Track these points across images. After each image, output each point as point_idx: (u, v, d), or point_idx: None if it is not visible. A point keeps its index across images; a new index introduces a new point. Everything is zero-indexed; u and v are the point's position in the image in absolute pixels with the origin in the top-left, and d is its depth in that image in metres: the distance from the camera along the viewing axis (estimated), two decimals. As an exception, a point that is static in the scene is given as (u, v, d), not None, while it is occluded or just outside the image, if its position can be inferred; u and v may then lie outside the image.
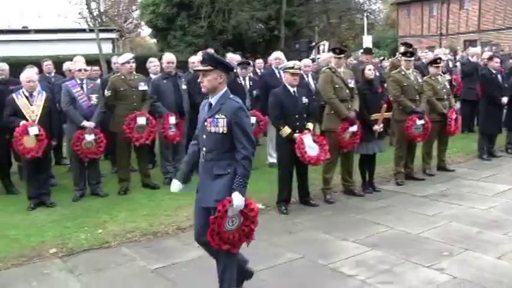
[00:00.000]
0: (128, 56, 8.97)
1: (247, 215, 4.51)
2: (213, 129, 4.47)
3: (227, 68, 4.58)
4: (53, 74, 10.79)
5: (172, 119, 8.81)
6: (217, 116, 4.44)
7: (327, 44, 27.14)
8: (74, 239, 6.59)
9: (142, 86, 8.69)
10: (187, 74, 10.07)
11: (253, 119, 9.48)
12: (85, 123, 8.12)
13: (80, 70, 8.38)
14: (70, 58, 10.87)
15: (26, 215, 7.68)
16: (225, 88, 4.54)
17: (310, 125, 7.54)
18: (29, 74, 8.08)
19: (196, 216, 4.79)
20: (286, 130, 7.33)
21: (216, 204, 4.39)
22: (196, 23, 27.07)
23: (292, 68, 7.41)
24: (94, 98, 8.33)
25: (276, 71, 9.96)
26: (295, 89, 7.44)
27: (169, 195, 8.19)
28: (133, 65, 8.75)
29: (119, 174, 8.86)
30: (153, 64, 10.30)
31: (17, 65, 11.02)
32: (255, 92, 9.76)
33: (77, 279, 5.52)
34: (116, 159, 9.46)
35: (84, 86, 8.32)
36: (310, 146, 7.35)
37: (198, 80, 4.59)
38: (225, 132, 4.42)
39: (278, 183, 7.66)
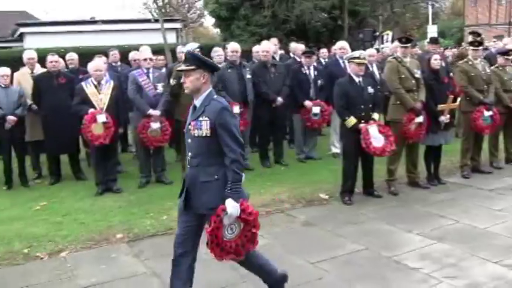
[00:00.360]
0: (193, 45, 9.04)
1: (246, 220, 4.22)
2: (196, 133, 4.21)
3: (211, 68, 4.31)
4: (119, 64, 10.99)
5: (236, 109, 8.85)
6: (200, 119, 4.18)
7: (390, 33, 26.65)
8: (139, 224, 6.73)
9: (207, 75, 8.73)
10: (251, 63, 10.10)
11: (317, 109, 9.45)
12: (151, 111, 8.27)
13: (145, 59, 8.53)
14: (135, 48, 11.05)
15: (94, 201, 7.92)
16: (210, 89, 4.29)
17: (375, 116, 7.45)
18: (97, 64, 8.30)
19: (179, 224, 4.51)
20: (351, 120, 7.26)
21: (210, 212, 4.15)
22: (260, 13, 27.04)
23: (358, 57, 7.33)
24: (160, 87, 8.46)
25: (341, 61, 9.88)
26: (360, 79, 7.35)
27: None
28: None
29: (183, 162, 8.94)
30: (217, 54, 10.33)
31: (86, 55, 11.32)
32: (319, 82, 9.70)
33: (142, 264, 5.64)
34: (180, 148, 9.58)
35: (150, 74, 8.46)
36: (375, 137, 7.26)
37: (181, 81, 4.38)
38: (208, 135, 4.15)
39: (342, 174, 7.59)
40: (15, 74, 9.49)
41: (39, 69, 9.58)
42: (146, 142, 8.35)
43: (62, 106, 8.59)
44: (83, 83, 8.14)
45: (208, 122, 4.14)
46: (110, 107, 8.02)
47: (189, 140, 4.31)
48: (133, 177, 8.97)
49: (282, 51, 12.63)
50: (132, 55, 10.72)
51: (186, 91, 4.30)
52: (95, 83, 8.04)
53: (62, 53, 9.54)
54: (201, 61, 4.23)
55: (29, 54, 9.75)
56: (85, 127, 7.86)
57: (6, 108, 8.62)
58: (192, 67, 4.20)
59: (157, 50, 12.99)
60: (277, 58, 11.09)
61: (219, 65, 9.64)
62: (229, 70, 9.11)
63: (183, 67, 4.28)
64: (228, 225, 4.15)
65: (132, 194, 8.15)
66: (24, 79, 9.41)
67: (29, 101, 9.07)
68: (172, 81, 8.66)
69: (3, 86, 8.74)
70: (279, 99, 9.28)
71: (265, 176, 8.77)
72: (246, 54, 11.44)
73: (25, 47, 21.95)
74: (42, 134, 9.02)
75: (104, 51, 10.99)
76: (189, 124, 4.28)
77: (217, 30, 36.54)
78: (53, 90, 8.83)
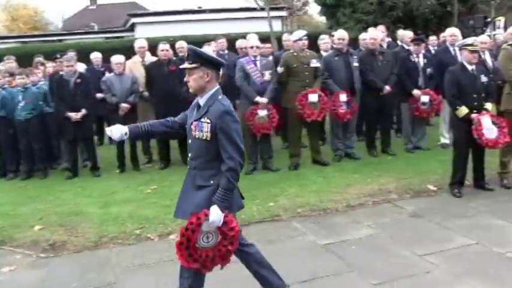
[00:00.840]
0: (301, 33, 9.03)
1: (225, 233, 3.93)
2: (197, 135, 3.96)
3: (215, 64, 4.00)
4: (226, 52, 11.16)
5: (343, 97, 8.80)
6: (202, 120, 3.91)
7: (503, 19, 25.51)
8: (246, 210, 6.74)
9: (315, 63, 8.72)
10: (358, 51, 9.98)
11: (426, 98, 9.22)
12: (258, 98, 8.37)
13: (252, 47, 8.63)
14: (242, 36, 11.18)
15: (202, 185, 8.09)
16: (215, 87, 3.98)
17: (488, 106, 7.16)
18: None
19: None
20: (463, 110, 7.02)
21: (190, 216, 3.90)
22: (366, 0, 26.63)
23: (471, 45, 7.06)
24: (267, 74, 8.53)
25: (451, 48, 9.55)
26: (473, 67, 7.09)
27: (339, 172, 8.26)
28: (306, 42, 8.80)
29: (290, 150, 9.03)
30: (323, 41, 10.34)
31: (193, 43, 11.51)
32: (428, 70, 9.44)
33: (249, 249, 5.73)
34: (287, 135, 9.65)
35: (258, 62, 8.55)
36: (488, 128, 6.99)
37: (185, 80, 4.07)
38: (208, 138, 3.90)
39: (452, 165, 7.36)
40: (127, 62, 9.85)
41: (149, 58, 9.93)
42: (253, 129, 8.46)
43: (172, 93, 8.89)
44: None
45: (209, 125, 3.88)
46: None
47: (190, 141, 4.09)
48: (240, 163, 9.07)
49: (389, 39, 12.39)
50: (239, 43, 10.85)
51: (190, 90, 4.04)
52: (203, 70, 8.19)
53: (170, 42, 9.80)
54: (203, 58, 3.93)
55: (140, 43, 10.14)
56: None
57: (120, 95, 9.03)
58: (195, 65, 3.92)
59: (263, 38, 13.07)
60: (385, 46, 10.90)
61: (325, 53, 9.69)
62: (336, 58, 9.06)
63: (185, 65, 3.99)
64: (205, 233, 3.88)
65: (239, 180, 8.23)
66: (135, 67, 9.79)
67: (141, 89, 9.42)
68: (279, 69, 8.72)
69: (117, 73, 9.14)
70: (387, 87, 9.13)
71: (371, 166, 8.67)
72: (352, 42, 11.32)
73: (136, 37, 22.77)
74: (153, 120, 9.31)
75: (211, 40, 11.20)
76: (191, 124, 4.02)
77: (323, 18, 36.28)
78: (164, 78, 9.15)
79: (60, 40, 29.56)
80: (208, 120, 3.88)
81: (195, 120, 3.98)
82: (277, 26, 25.45)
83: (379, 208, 6.84)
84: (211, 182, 3.94)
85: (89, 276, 4.93)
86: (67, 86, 9.06)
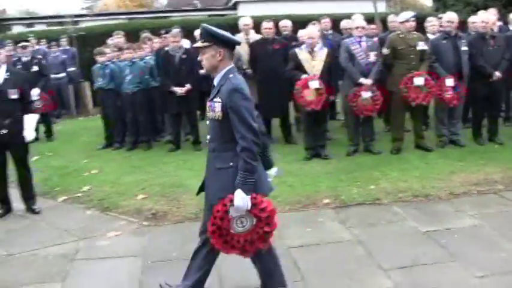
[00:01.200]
0: (408, 14, 8.80)
1: (258, 216, 3.84)
2: (211, 115, 3.91)
3: (228, 43, 3.91)
4: (330, 32, 11.05)
5: (449, 81, 8.51)
6: (215, 100, 3.86)
7: None
8: (346, 192, 6.79)
9: (422, 46, 8.47)
10: (467, 35, 9.61)
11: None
12: (362, 80, 8.25)
13: (357, 28, 8.52)
14: (347, 17, 11.03)
15: (303, 165, 8.14)
16: (228, 66, 3.90)
17: None
18: (310, 31, 8.43)
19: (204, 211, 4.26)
20: None
21: (218, 202, 3.85)
22: (476, -19, 25.61)
23: None
24: (372, 56, 8.39)
25: None
26: None
27: (443, 159, 8.04)
28: (413, 23, 8.57)
29: (393, 134, 8.85)
30: (430, 24, 10.00)
31: (297, 23, 11.56)
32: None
33: (348, 231, 5.69)
34: (389, 118, 9.48)
35: (363, 43, 8.42)
36: None
37: (198, 59, 3.99)
38: (220, 118, 3.82)
39: None
40: (231, 40, 9.94)
41: (253, 36, 9.99)
42: (356, 111, 8.37)
43: (276, 71, 8.93)
44: (296, 49, 8.34)
45: (220, 104, 3.81)
46: (323, 73, 8.11)
47: (207, 122, 4.04)
48: (341, 145, 9.05)
49: (501, 23, 11.85)
50: (344, 24, 10.71)
51: (203, 70, 3.93)
52: (309, 49, 8.18)
53: (275, 20, 9.85)
54: (215, 36, 3.86)
55: (244, 21, 10.19)
56: (297, 92, 8.07)
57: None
58: (207, 43, 3.87)
59: (367, 19, 12.83)
60: (496, 30, 10.43)
61: (432, 36, 9.39)
62: (444, 41, 8.75)
63: (198, 44, 3.96)
64: (238, 218, 3.82)
65: (340, 161, 8.23)
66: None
67: (244, 66, 9.50)
68: (385, 51, 8.55)
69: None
70: (497, 73, 8.73)
71: (477, 154, 8.35)
72: (460, 26, 10.91)
73: (238, 14, 22.95)
74: (256, 98, 9.42)
75: (315, 19, 11.13)
76: (208, 105, 3.98)
77: (428, 0, 35.32)
78: (268, 56, 9.20)
79: (165, 17, 30.21)
80: (220, 100, 3.81)
81: (209, 101, 3.95)
82: (381, 7, 24.87)
83: (484, 198, 6.58)
84: (231, 163, 3.85)
85: (189, 247, 5.04)
86: (173, 61, 9.30)
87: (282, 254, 5.08)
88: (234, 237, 3.85)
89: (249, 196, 3.78)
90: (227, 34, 3.96)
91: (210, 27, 3.89)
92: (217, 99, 3.83)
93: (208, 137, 4.04)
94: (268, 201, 3.90)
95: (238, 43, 4.12)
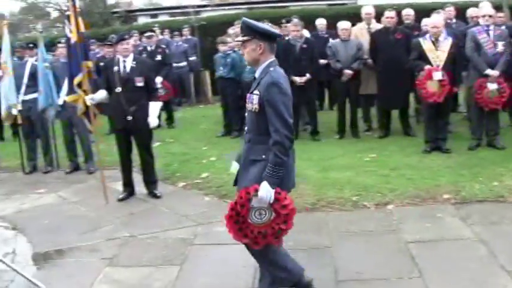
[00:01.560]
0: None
1: (277, 211, 3.82)
2: (249, 107, 3.95)
3: (268, 36, 3.92)
4: (454, 20, 10.66)
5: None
6: (254, 92, 3.90)
7: None
8: (467, 188, 6.52)
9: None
10: None
11: None
12: (489, 71, 7.89)
13: (484, 16, 8.16)
14: (474, 5, 10.58)
15: (422, 157, 7.92)
16: (269, 60, 3.92)
17: None
18: (434, 20, 8.18)
19: None
20: None
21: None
22: None
23: None
24: (500, 45, 7.99)
25: None
26: None
27: None
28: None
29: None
30: None
31: (420, 11, 11.22)
32: None
33: (469, 229, 5.46)
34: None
35: (491, 32, 8.05)
36: None
37: (240, 52, 3.88)
38: (256, 110, 3.86)
39: None
40: (353, 29, 9.79)
41: (375, 25, 9.83)
42: (481, 103, 8.02)
43: (397, 62, 8.78)
44: (420, 39, 8.13)
45: (258, 96, 3.85)
46: (447, 64, 7.85)
47: (246, 114, 4.08)
48: (462, 138, 8.71)
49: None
50: (470, 12, 10.29)
51: (246, 64, 3.89)
52: (433, 39, 7.93)
53: (396, 9, 9.61)
54: (255, 30, 3.89)
55: (367, 9, 10.05)
56: (420, 83, 7.89)
57: (345, 61, 9.13)
58: (247, 37, 3.91)
59: (495, 7, 12.29)
60: None
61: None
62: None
63: (239, 38, 4.03)
64: (257, 209, 3.81)
65: (461, 155, 7.92)
66: (360, 33, 9.75)
67: (365, 56, 9.37)
68: (516, 41, 8.14)
69: (343, 39, 9.20)
70: None
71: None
72: None
73: (358, 4, 22.64)
74: (375, 88, 9.31)
75: (439, 8, 10.76)
76: (247, 97, 4.03)
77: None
78: (389, 46, 9.02)
79: (284, 6, 30.34)
80: (258, 92, 3.86)
81: (249, 93, 4.00)
82: (510, -6, 23.69)
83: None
84: (263, 156, 3.88)
85: (305, 237, 5.06)
86: (293, 50, 9.30)
87: (399, 248, 5.03)
88: (249, 227, 3.87)
89: (274, 190, 3.79)
90: (267, 27, 4.08)
91: (250, 21, 3.95)
92: (256, 91, 3.90)
93: (246, 127, 4.12)
94: (291, 200, 3.91)
95: (279, 36, 4.17)
